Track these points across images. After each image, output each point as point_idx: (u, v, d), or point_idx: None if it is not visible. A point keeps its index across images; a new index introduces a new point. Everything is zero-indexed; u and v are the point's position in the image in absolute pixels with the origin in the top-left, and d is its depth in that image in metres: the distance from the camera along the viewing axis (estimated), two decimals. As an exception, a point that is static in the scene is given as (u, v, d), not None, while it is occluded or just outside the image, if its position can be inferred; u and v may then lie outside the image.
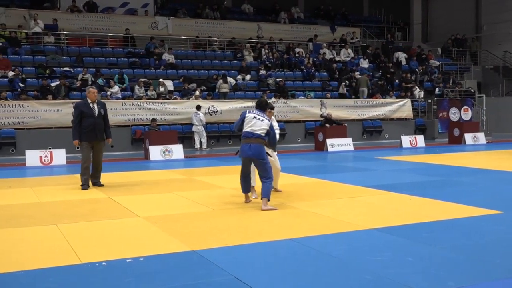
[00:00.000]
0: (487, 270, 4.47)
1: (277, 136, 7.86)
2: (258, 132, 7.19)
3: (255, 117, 7.27)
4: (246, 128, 7.31)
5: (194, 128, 18.14)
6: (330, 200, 7.98)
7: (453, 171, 11.35)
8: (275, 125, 8.01)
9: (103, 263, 4.79)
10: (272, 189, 7.81)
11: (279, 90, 21.13)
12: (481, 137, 19.89)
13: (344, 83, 22.72)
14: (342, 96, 22.39)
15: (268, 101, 7.78)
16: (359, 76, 23.64)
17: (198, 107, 18.19)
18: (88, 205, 7.89)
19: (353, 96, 22.29)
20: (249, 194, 7.86)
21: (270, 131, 7.31)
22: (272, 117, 7.97)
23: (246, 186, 7.74)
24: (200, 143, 18.13)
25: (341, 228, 6.02)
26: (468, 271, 4.45)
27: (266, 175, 7.26)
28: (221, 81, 20.49)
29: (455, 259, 4.79)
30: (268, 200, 7.22)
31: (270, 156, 7.85)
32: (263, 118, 7.27)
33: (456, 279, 4.20)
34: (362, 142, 20.73)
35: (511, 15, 28.34)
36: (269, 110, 7.73)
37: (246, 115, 7.38)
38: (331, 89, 22.82)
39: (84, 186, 9.43)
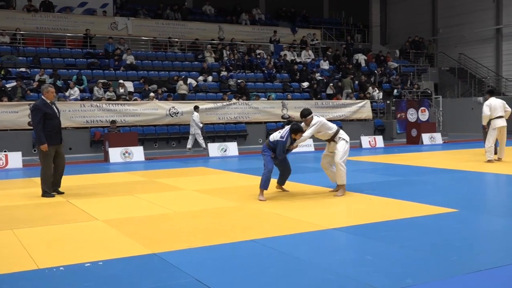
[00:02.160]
0: (445, 267, 4.56)
1: (303, 137, 8.44)
2: (270, 138, 8.42)
3: (279, 132, 8.42)
4: None
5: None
6: (291, 200, 8.02)
7: (411, 171, 11.58)
8: (308, 131, 8.49)
9: (61, 268, 4.68)
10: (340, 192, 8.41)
11: (240, 92, 21.15)
12: (438, 137, 20.36)
13: (332, 84, 23.05)
14: (329, 96, 22.79)
15: (297, 125, 8.42)
16: (319, 78, 23.91)
17: (195, 108, 18.06)
18: (45, 209, 7.70)
19: (314, 98, 22.51)
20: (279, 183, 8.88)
21: (276, 144, 8.19)
22: (313, 121, 8.52)
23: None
24: (197, 143, 17.94)
25: (302, 229, 6.06)
26: (426, 268, 4.53)
27: (264, 167, 8.27)
28: (181, 82, 20.36)
29: (413, 256, 4.88)
30: (265, 189, 8.17)
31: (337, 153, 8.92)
32: (280, 134, 8.28)
33: (414, 277, 4.28)
34: (323, 143, 20.79)
35: (465, 18, 29.19)
36: (304, 119, 8.51)
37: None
38: (292, 91, 22.98)
39: (48, 194, 8.70)
